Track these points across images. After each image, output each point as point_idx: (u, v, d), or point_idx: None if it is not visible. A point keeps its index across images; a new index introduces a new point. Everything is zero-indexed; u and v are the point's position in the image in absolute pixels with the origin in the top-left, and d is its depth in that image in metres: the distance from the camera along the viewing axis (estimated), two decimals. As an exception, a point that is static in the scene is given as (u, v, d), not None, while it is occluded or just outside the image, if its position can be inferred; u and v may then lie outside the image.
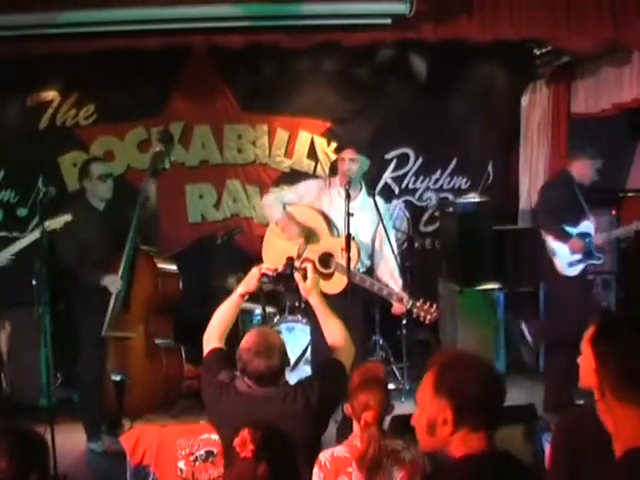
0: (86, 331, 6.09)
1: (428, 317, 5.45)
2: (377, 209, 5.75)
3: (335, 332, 3.83)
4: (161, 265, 6.35)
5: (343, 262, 5.40)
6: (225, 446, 3.54)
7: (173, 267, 6.47)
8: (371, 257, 5.85)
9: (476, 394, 2.22)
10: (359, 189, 5.84)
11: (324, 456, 3.32)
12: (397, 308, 5.62)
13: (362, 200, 5.79)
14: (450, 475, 2.28)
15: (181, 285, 6.40)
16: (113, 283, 6.00)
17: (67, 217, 5.85)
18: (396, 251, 5.88)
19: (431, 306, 5.45)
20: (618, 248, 7.80)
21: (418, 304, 5.46)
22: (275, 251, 5.78)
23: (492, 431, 2.27)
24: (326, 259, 5.67)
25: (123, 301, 6.06)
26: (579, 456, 2.86)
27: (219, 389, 3.61)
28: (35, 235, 6.12)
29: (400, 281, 5.78)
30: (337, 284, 5.54)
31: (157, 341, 6.25)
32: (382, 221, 5.78)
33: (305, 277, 3.93)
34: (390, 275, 5.78)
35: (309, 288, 3.92)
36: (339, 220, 5.66)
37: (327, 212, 5.82)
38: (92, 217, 6.13)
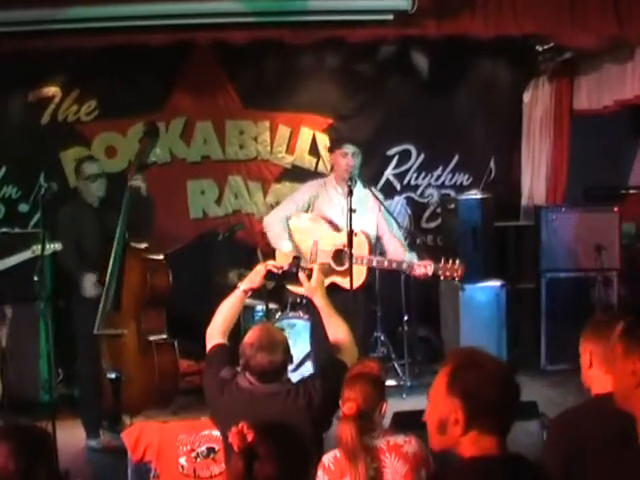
0: (81, 329, 6.09)
1: (456, 274, 5.43)
2: (375, 196, 5.78)
3: (339, 333, 3.82)
4: (149, 260, 6.31)
5: (355, 254, 5.40)
6: (225, 442, 3.55)
7: (162, 261, 6.43)
8: (378, 243, 5.87)
9: (489, 397, 2.20)
10: (354, 183, 5.85)
11: (327, 458, 3.31)
12: (420, 274, 5.54)
13: (359, 193, 5.80)
14: (459, 477, 2.26)
15: (171, 278, 6.36)
16: (90, 281, 5.99)
17: (57, 245, 5.92)
18: (401, 230, 5.96)
19: (454, 263, 5.44)
20: (620, 245, 7.79)
21: (441, 265, 5.45)
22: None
23: (504, 434, 2.24)
24: (339, 256, 5.67)
25: (114, 298, 6.04)
26: (574, 455, 2.84)
27: (221, 385, 3.60)
28: (27, 254, 6.15)
29: (415, 255, 5.75)
30: (356, 278, 5.50)
31: (150, 337, 6.23)
32: (382, 205, 5.81)
33: (310, 277, 3.92)
34: (403, 251, 5.78)
35: (314, 288, 3.90)
36: (340, 217, 5.68)
37: (328, 211, 5.82)
38: (88, 214, 6.13)
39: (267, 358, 3.47)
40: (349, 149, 5.81)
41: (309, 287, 3.91)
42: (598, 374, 2.93)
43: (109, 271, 6.01)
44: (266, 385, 3.52)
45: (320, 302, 3.89)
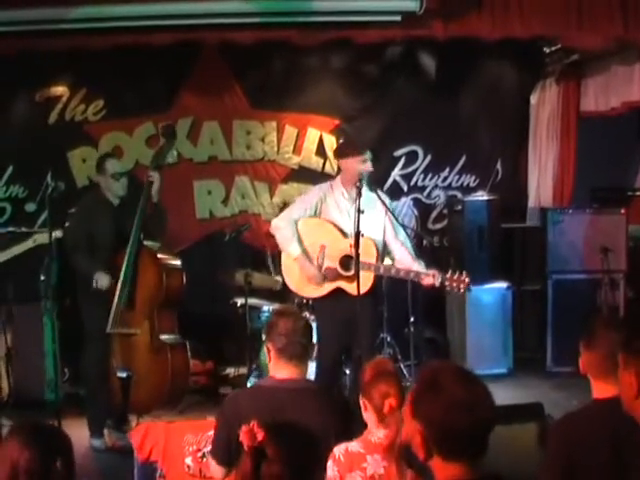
0: (91, 327, 6.08)
1: (462, 286, 5.42)
2: (381, 200, 5.75)
3: None
4: (165, 261, 6.34)
5: (362, 260, 5.37)
6: (236, 442, 3.52)
7: (177, 262, 6.45)
8: (385, 248, 5.84)
9: (446, 424, 2.08)
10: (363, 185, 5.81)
11: (338, 450, 3.29)
12: (428, 281, 5.52)
13: (366, 196, 5.76)
14: None
15: (185, 280, 6.38)
16: (101, 280, 5.94)
17: (58, 233, 5.96)
18: (408, 235, 5.93)
19: (461, 274, 5.42)
20: (627, 247, 7.78)
21: (448, 276, 5.44)
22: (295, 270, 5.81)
23: (473, 459, 2.11)
24: (346, 262, 5.64)
25: (127, 297, 6.04)
26: (574, 460, 2.85)
27: (235, 398, 3.63)
28: (29, 244, 6.16)
29: (422, 262, 5.73)
30: (362, 284, 5.42)
31: (162, 337, 6.24)
32: (389, 210, 5.78)
33: None
34: (410, 258, 5.74)
35: None
36: (347, 221, 5.63)
37: (334, 215, 5.78)
38: (103, 210, 6.13)
39: (289, 321, 3.50)
40: (369, 156, 5.77)
41: None
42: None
43: (123, 269, 6.01)
44: (290, 369, 3.49)
45: None
